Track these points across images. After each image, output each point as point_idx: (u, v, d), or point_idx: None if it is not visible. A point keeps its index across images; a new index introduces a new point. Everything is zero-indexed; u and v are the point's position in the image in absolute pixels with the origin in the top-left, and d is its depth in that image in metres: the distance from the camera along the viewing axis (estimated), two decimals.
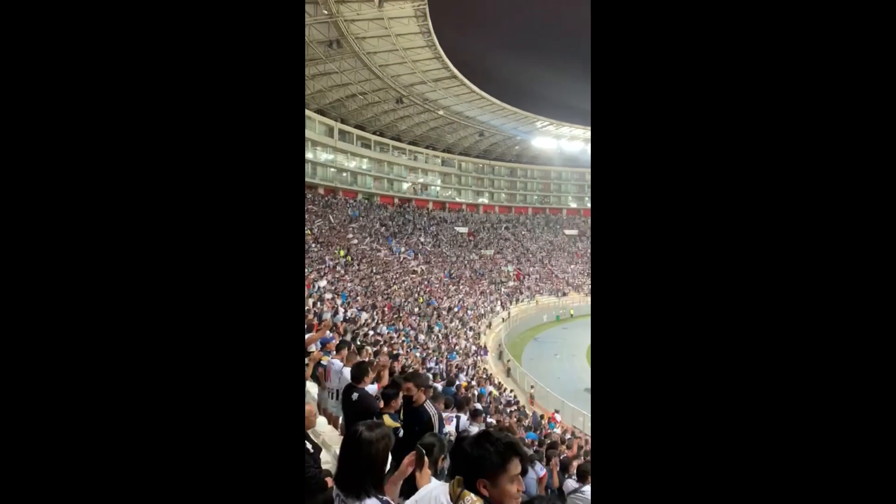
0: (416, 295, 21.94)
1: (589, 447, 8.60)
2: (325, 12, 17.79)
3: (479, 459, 1.10)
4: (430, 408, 2.86)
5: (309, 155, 27.09)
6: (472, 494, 1.10)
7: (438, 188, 36.99)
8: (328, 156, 28.98)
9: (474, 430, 4.05)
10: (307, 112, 26.16)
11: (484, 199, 39.50)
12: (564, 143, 36.71)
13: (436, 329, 18.87)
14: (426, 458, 1.63)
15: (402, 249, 27.24)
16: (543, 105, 31.91)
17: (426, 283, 24.38)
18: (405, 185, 34.77)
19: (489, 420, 7.29)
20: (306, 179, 26.86)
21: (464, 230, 34.57)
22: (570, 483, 4.28)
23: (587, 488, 3.93)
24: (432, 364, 13.58)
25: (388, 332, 14.23)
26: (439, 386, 7.89)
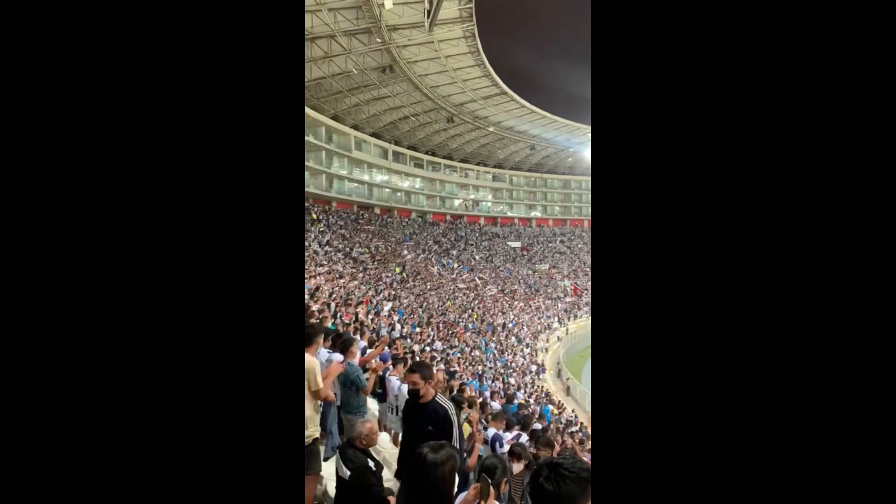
0: (471, 311, 21.88)
1: None
2: (379, 40, 18.66)
3: (568, 496, 1.05)
4: (443, 402, 2.47)
5: (365, 177, 28.19)
6: None
7: (490, 203, 37.00)
8: (383, 177, 29.97)
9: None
10: (363, 136, 27.32)
11: (536, 213, 38.91)
12: None
13: (491, 346, 18.65)
14: (491, 488, 1.58)
15: (456, 266, 27.37)
16: None
17: (480, 298, 24.26)
18: (457, 202, 35.13)
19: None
20: (363, 200, 27.95)
21: (517, 245, 34.20)
22: None
23: None
24: (488, 382, 13.40)
25: (443, 349, 14.26)
26: (497, 404, 7.75)
